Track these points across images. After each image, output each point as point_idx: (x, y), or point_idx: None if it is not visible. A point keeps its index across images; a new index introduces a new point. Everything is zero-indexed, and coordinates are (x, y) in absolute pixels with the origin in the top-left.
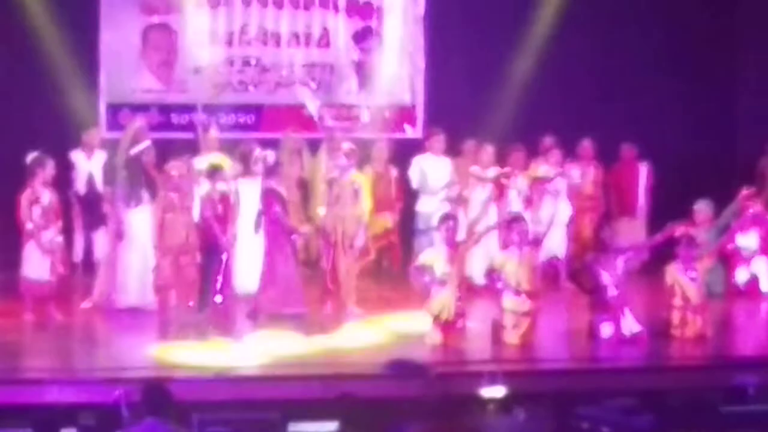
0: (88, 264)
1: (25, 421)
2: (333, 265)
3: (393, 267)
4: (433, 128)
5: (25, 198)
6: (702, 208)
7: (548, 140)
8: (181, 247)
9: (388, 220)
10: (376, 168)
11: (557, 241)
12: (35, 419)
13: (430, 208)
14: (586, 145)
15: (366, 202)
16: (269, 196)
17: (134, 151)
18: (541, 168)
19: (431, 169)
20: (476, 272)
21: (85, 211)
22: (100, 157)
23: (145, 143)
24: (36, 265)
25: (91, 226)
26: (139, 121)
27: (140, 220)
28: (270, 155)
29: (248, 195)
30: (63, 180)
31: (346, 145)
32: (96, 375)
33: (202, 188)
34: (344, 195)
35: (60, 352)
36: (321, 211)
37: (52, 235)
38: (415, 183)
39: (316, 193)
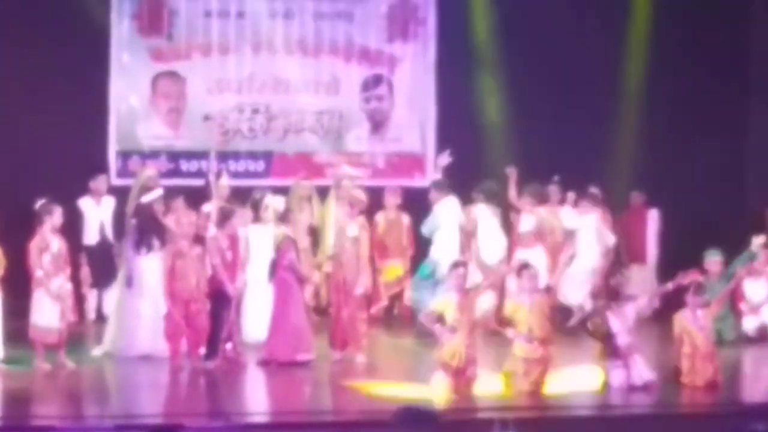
0: (100, 317)
1: None
2: (338, 313)
3: (405, 314)
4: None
5: (34, 245)
6: (713, 256)
7: (553, 188)
8: (191, 294)
9: (400, 267)
10: (387, 215)
11: (577, 287)
12: None
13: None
14: (593, 191)
15: (365, 249)
16: (285, 243)
17: (146, 199)
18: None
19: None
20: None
21: (96, 265)
22: (108, 203)
23: (157, 191)
24: (46, 312)
25: (102, 283)
26: (150, 169)
27: (151, 268)
28: (280, 202)
29: (258, 242)
30: (73, 228)
31: (354, 193)
32: (107, 422)
33: (211, 235)
34: (345, 242)
35: (70, 400)
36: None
37: (62, 282)
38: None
39: (325, 240)
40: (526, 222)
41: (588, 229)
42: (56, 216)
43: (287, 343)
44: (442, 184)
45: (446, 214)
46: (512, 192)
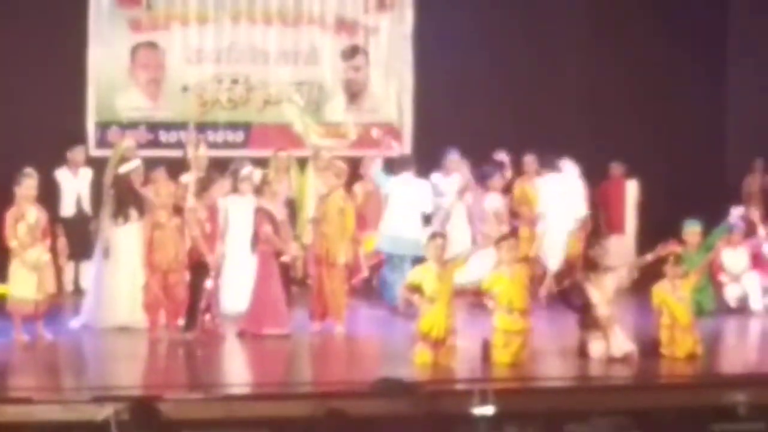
0: (77, 289)
1: None
2: (320, 284)
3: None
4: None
5: (9, 216)
6: (691, 227)
7: (529, 158)
8: (170, 265)
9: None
10: (365, 186)
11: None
12: None
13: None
14: (563, 161)
15: (351, 220)
16: (260, 216)
17: (124, 169)
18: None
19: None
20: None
21: (73, 236)
22: (86, 175)
23: (135, 162)
24: (21, 283)
25: (80, 255)
26: (129, 140)
27: (128, 239)
28: (257, 173)
29: (238, 213)
30: (50, 200)
31: (337, 164)
32: (85, 394)
33: (190, 206)
34: (330, 213)
35: (49, 371)
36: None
37: (39, 253)
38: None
39: (304, 211)
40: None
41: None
42: (25, 186)
43: (265, 316)
44: (404, 160)
45: (397, 190)
46: (507, 174)
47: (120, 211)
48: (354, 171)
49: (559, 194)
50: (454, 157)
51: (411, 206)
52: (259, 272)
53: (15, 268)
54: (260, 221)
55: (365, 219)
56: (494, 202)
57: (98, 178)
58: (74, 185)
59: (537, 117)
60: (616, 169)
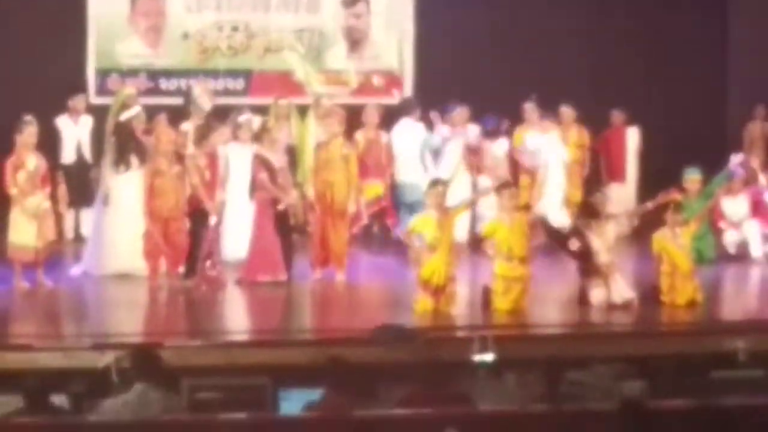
0: (78, 236)
1: (15, 387)
2: (322, 232)
3: (384, 233)
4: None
5: (9, 163)
6: (692, 174)
7: (529, 106)
8: (170, 212)
9: (380, 186)
10: (366, 134)
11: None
12: (25, 385)
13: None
14: (565, 109)
15: (354, 168)
16: (257, 163)
17: (125, 117)
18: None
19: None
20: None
21: (73, 184)
22: (86, 122)
23: (136, 109)
24: (21, 231)
25: (80, 202)
26: (130, 87)
27: (129, 186)
28: (255, 121)
29: (237, 161)
30: (50, 147)
31: (337, 111)
32: (86, 341)
33: (190, 153)
34: (333, 160)
35: (49, 319)
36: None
37: (39, 201)
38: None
39: (304, 159)
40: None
41: (551, 146)
42: (26, 134)
43: (260, 264)
44: (407, 103)
45: (401, 135)
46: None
47: (121, 159)
48: (355, 119)
49: (558, 142)
50: (460, 111)
51: (413, 151)
52: (256, 220)
53: (15, 216)
54: (257, 168)
55: (367, 167)
56: (503, 147)
57: (98, 125)
58: (75, 133)
59: (537, 65)
60: (617, 116)
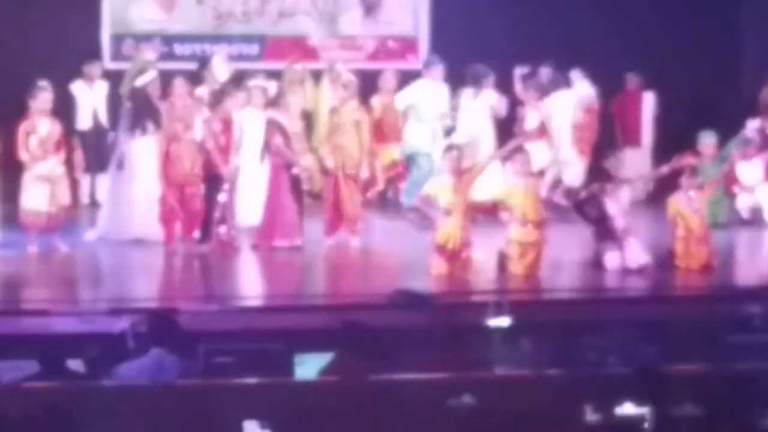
0: (93, 201)
1: (31, 352)
2: (335, 196)
3: (399, 198)
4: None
5: (21, 128)
6: (707, 138)
7: (545, 71)
8: (185, 177)
9: (395, 150)
10: (382, 99)
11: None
12: (41, 350)
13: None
14: (575, 72)
15: (366, 133)
16: (270, 128)
17: (140, 81)
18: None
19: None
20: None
21: (89, 149)
22: (102, 87)
23: (151, 74)
24: (34, 195)
25: (96, 168)
26: (148, 52)
27: (144, 151)
28: (271, 86)
29: (252, 126)
30: (66, 113)
31: (346, 76)
32: (101, 306)
33: (205, 118)
34: (345, 125)
35: (65, 283)
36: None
37: (52, 166)
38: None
39: (319, 124)
40: (531, 116)
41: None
42: (40, 99)
43: (276, 228)
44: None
45: (419, 94)
46: (518, 86)
47: (136, 124)
48: (371, 83)
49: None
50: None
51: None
52: (270, 184)
53: (27, 181)
54: (271, 133)
55: (383, 131)
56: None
57: (114, 90)
58: (90, 98)
59: (553, 28)
60: (633, 81)
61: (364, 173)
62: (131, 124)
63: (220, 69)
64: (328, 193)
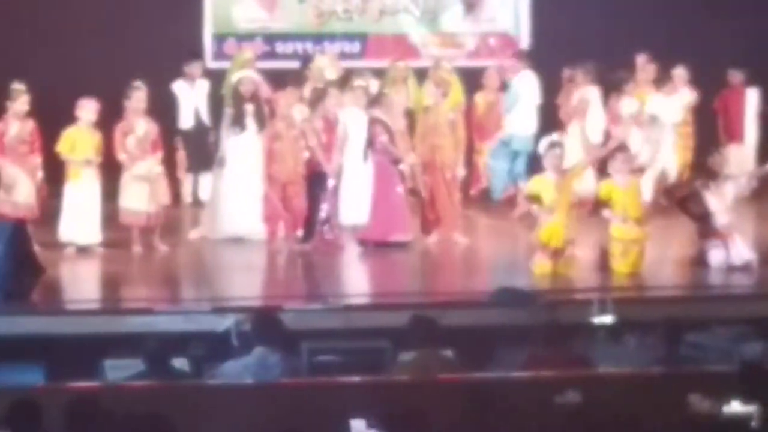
0: (196, 201)
1: (136, 350)
2: (432, 195)
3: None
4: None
5: (118, 129)
6: None
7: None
8: (288, 176)
9: None
10: (486, 96)
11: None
12: (146, 349)
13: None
14: (679, 71)
15: (462, 131)
16: (375, 126)
17: (234, 79)
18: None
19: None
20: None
21: (191, 148)
22: (203, 86)
23: (242, 73)
24: (131, 195)
25: (198, 167)
26: (249, 51)
27: (246, 149)
28: (373, 84)
29: (354, 124)
30: (168, 113)
31: (440, 74)
32: (205, 305)
33: (307, 117)
34: (440, 125)
35: (169, 282)
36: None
37: (150, 165)
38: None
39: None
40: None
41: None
42: (135, 99)
43: (385, 224)
44: (524, 54)
45: (522, 87)
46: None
47: (238, 123)
48: (475, 81)
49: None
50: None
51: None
52: (379, 181)
53: (125, 181)
54: (377, 131)
55: (486, 129)
56: (631, 106)
57: (215, 89)
58: (192, 97)
59: (654, 22)
60: (735, 77)
61: (461, 172)
62: (232, 122)
63: (329, 67)
64: (425, 192)
